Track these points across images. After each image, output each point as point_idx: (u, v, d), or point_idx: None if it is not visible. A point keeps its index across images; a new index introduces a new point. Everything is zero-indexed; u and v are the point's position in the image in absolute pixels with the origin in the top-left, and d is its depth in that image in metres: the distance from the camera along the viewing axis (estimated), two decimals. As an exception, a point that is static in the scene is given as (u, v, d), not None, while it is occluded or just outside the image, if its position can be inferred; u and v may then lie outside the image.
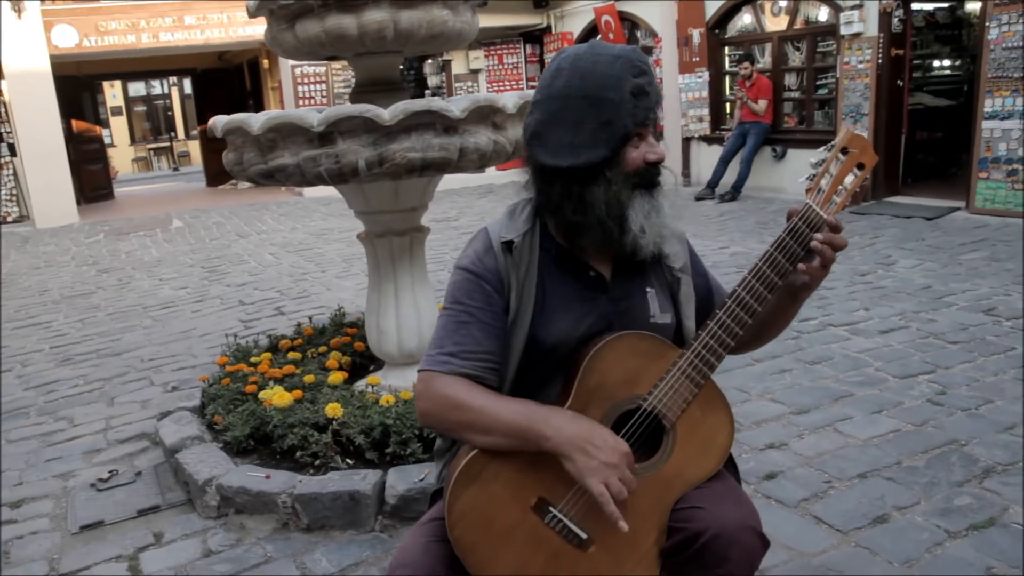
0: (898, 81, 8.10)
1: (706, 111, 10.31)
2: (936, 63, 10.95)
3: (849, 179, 1.47)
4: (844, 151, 1.47)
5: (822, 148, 1.50)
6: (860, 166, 1.47)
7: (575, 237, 1.51)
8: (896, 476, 2.69)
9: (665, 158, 1.49)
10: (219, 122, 2.85)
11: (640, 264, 1.56)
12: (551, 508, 1.42)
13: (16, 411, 4.05)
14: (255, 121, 2.68)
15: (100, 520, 2.80)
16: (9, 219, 12.08)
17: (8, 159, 12.01)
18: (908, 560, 2.23)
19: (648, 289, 1.57)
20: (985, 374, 3.53)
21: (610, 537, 1.43)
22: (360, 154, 2.62)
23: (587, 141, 1.42)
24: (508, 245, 1.51)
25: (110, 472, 3.17)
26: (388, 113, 2.57)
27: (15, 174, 12.03)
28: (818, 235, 1.43)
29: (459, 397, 1.43)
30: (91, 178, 14.34)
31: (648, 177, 1.47)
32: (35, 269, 8.34)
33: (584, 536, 1.42)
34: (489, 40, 13.35)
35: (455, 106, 2.66)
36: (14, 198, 12.13)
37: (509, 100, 2.83)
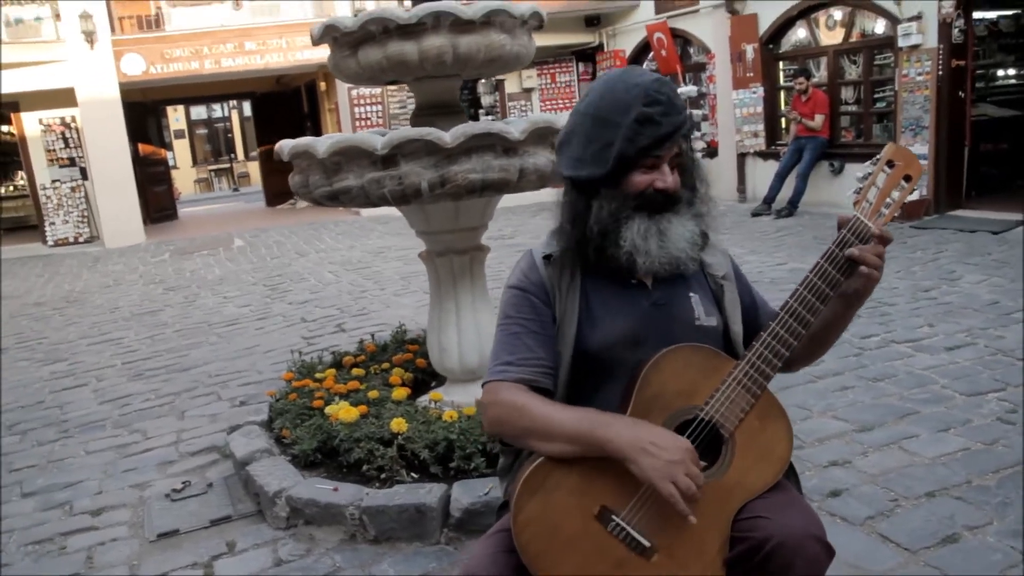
0: (960, 92, 7.93)
1: (761, 126, 10.22)
2: (1000, 72, 10.70)
3: (896, 192, 1.51)
4: (890, 164, 1.50)
5: (868, 162, 1.54)
6: (907, 178, 1.51)
7: (575, 247, 1.59)
8: (966, 495, 2.64)
9: (675, 189, 1.54)
10: (286, 146, 2.97)
11: (680, 273, 1.62)
12: (614, 516, 1.45)
13: (93, 424, 4.23)
14: (320, 145, 2.78)
15: (176, 529, 2.92)
16: (80, 239, 12.60)
17: (80, 182, 12.56)
18: (979, 581, 2.19)
19: (691, 294, 1.63)
20: (1057, 392, 3.44)
21: (674, 545, 1.46)
22: (423, 176, 2.71)
23: (589, 158, 1.53)
24: (548, 259, 1.62)
25: (183, 483, 3.29)
26: (449, 136, 2.65)
27: (86, 197, 12.56)
28: (862, 246, 1.47)
29: (524, 404, 1.51)
30: (156, 199, 14.86)
31: (653, 201, 1.53)
32: (105, 287, 8.68)
33: (647, 544, 1.44)
34: (542, 59, 13.47)
35: (515, 128, 2.73)
36: (85, 219, 12.65)
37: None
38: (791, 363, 1.66)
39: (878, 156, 1.53)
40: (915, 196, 7.98)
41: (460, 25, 2.93)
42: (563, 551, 1.46)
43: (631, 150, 1.49)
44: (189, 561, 2.69)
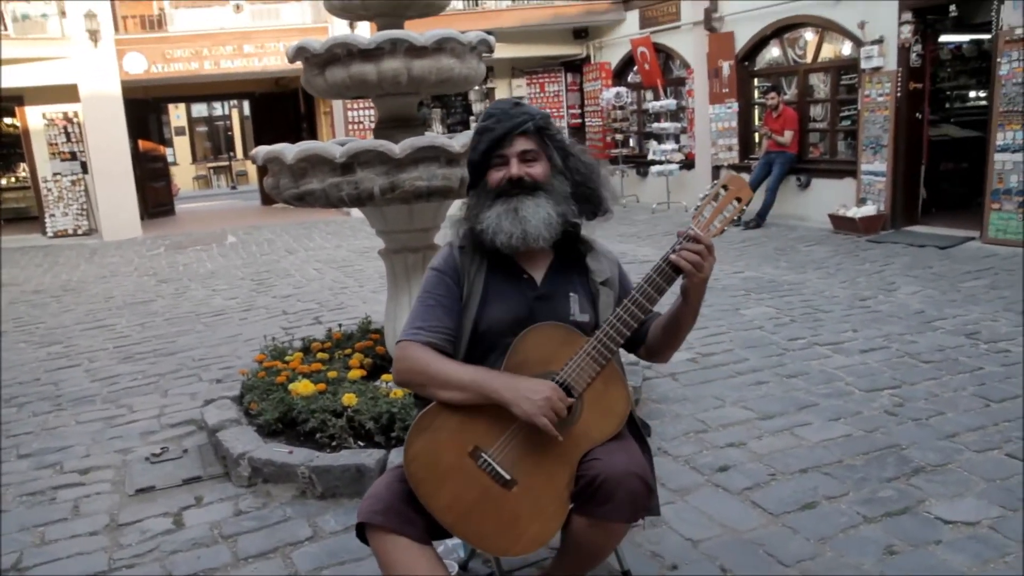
0: (917, 114, 8.36)
1: (735, 140, 10.63)
2: (969, 94, 11.16)
3: (729, 210, 1.88)
4: (725, 188, 1.87)
5: (709, 185, 1.92)
6: (739, 199, 1.88)
7: (469, 233, 2.03)
8: (833, 472, 3.04)
9: (530, 177, 1.94)
10: (260, 152, 3.39)
11: (568, 272, 2.04)
12: (483, 454, 1.86)
13: (84, 398, 4.64)
14: (289, 152, 3.20)
15: (152, 485, 3.32)
16: (79, 232, 13.00)
17: (80, 176, 12.96)
18: (823, 538, 2.59)
19: (572, 293, 2.03)
20: (945, 390, 3.84)
21: (531, 479, 1.86)
22: (375, 182, 3.12)
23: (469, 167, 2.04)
24: (462, 248, 2.04)
25: (162, 448, 3.69)
26: (398, 148, 3.06)
27: (86, 190, 12.96)
28: (685, 246, 1.82)
29: (426, 360, 1.92)
30: (154, 195, 15.28)
31: (507, 190, 1.94)
32: (101, 278, 9.08)
33: (508, 477, 1.85)
34: (532, 69, 13.91)
35: (456, 142, 3.14)
36: (84, 212, 13.06)
37: (505, 137, 3.29)
38: (654, 353, 2.08)
39: (716, 181, 1.91)
40: (873, 211, 8.41)
41: (414, 51, 3.34)
42: (441, 480, 1.86)
43: (476, 156, 1.96)
44: (161, 511, 3.10)
